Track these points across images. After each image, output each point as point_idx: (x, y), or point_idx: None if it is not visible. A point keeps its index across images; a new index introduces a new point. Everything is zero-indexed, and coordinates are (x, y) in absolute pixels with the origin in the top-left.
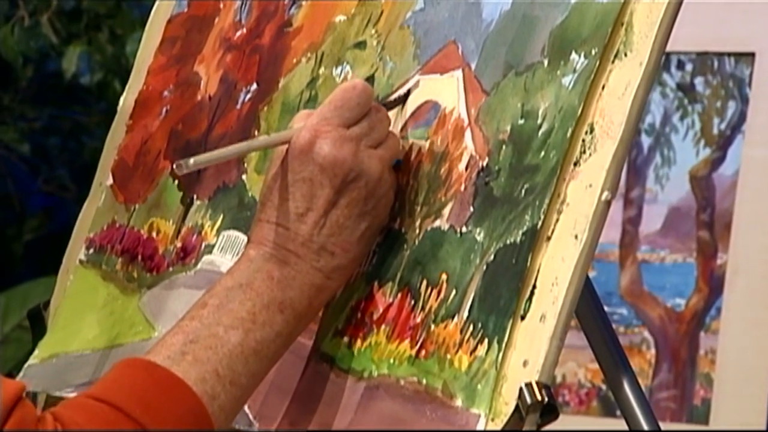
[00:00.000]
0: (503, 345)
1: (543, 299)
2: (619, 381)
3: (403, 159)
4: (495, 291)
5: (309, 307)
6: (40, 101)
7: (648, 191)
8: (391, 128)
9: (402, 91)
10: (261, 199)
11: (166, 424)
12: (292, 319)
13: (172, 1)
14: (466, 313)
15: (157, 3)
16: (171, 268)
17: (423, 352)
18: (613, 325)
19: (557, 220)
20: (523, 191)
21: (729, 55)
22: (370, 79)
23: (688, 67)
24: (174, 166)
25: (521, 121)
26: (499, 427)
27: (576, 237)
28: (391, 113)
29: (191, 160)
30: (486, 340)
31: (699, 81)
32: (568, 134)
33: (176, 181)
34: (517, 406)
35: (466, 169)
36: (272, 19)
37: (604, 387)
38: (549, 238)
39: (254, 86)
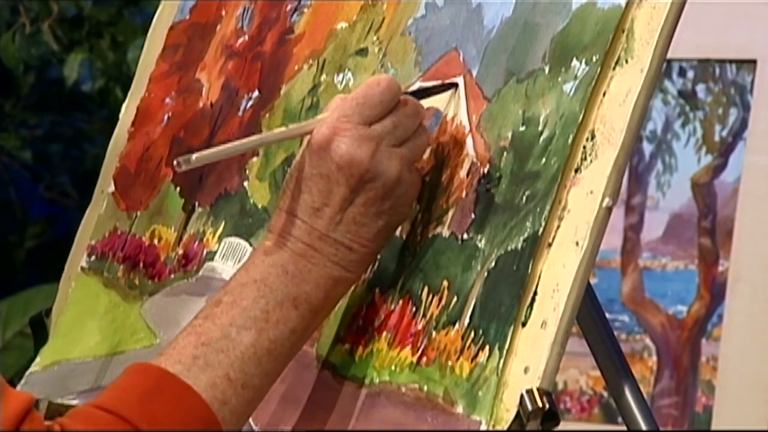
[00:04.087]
0: (504, 351)
1: (544, 306)
2: (621, 388)
3: None
4: (496, 298)
5: (326, 299)
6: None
7: (649, 198)
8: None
9: (439, 82)
10: (283, 187)
11: None
12: (307, 313)
13: (174, 8)
14: (467, 320)
15: (159, 10)
16: (173, 275)
17: (424, 359)
18: (615, 332)
19: (558, 227)
20: (524, 198)
21: (730, 62)
22: None
23: (690, 74)
24: (174, 163)
25: (522, 128)
26: None
27: (577, 244)
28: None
29: (194, 156)
30: (487, 347)
31: (700, 88)
32: (569, 141)
33: (178, 189)
34: (518, 413)
35: (468, 175)
36: (274, 26)
37: (605, 394)
38: (550, 245)
39: (256, 93)
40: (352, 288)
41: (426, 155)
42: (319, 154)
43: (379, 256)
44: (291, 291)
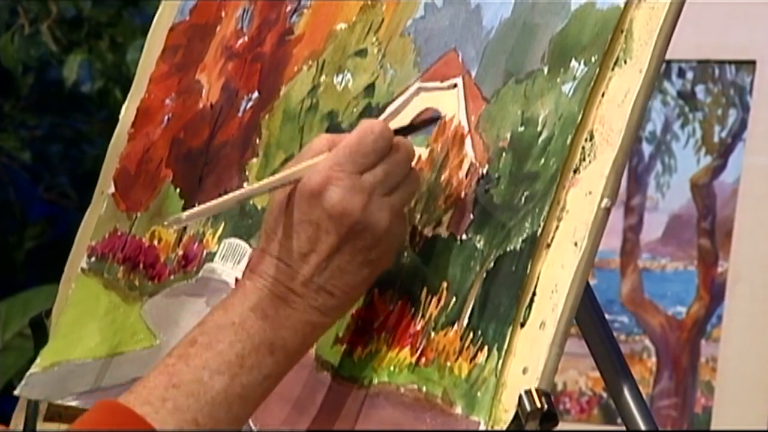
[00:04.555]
0: (503, 352)
1: (543, 306)
2: (620, 389)
3: None
4: (495, 298)
5: (302, 344)
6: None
7: (649, 199)
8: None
9: (430, 115)
10: (265, 227)
11: None
12: (282, 359)
13: (173, 9)
14: (466, 321)
15: (158, 11)
16: (172, 277)
17: (423, 360)
18: (614, 333)
19: (557, 228)
20: (523, 198)
21: (730, 62)
22: (371, 87)
23: (689, 75)
24: (165, 224)
25: (521, 129)
26: None
27: (576, 244)
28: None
29: (183, 215)
30: (486, 348)
31: (700, 89)
32: (568, 141)
33: (178, 190)
34: (516, 414)
35: (466, 176)
36: (274, 27)
37: (605, 395)
38: (549, 246)
39: (256, 94)
40: None
41: (425, 155)
42: (310, 202)
43: None
44: (268, 336)
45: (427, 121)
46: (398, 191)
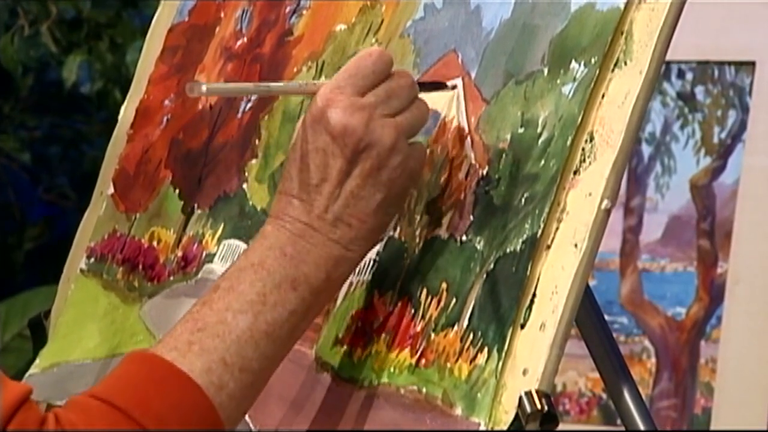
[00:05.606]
0: (503, 354)
1: (543, 308)
2: (620, 390)
3: None
4: (495, 300)
5: (327, 280)
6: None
7: (648, 200)
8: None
9: (438, 80)
10: (282, 171)
11: (168, 423)
12: (307, 295)
13: (173, 10)
14: (466, 322)
15: (157, 12)
16: (172, 278)
17: (423, 361)
18: (614, 334)
19: (557, 229)
20: (522, 200)
21: (729, 64)
22: None
23: (689, 76)
24: (185, 87)
25: (521, 130)
26: None
27: (576, 245)
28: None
29: (203, 87)
30: (486, 349)
31: (699, 90)
32: (568, 143)
33: (177, 191)
34: (516, 415)
35: (466, 177)
36: (273, 28)
37: (604, 396)
38: (549, 247)
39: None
40: (352, 289)
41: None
42: (314, 128)
43: (377, 257)
44: (289, 273)
45: (435, 85)
46: (404, 113)
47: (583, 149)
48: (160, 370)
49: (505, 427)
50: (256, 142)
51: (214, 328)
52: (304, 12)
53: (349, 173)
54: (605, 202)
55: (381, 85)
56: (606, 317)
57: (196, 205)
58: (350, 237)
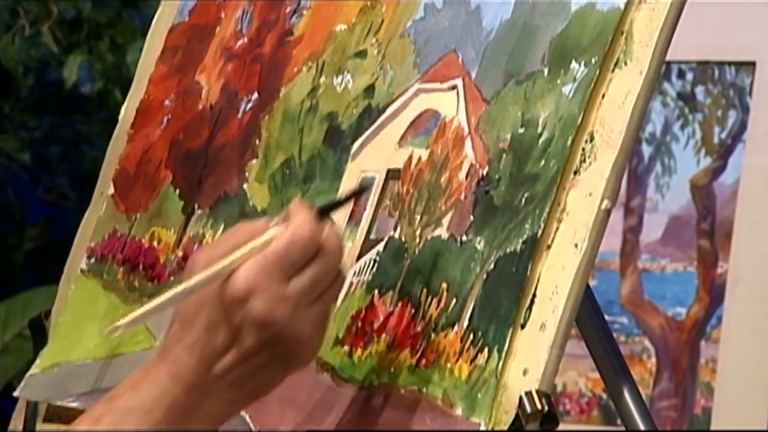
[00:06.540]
0: (503, 354)
1: (543, 308)
2: (620, 390)
3: (404, 168)
4: (495, 300)
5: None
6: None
7: (648, 200)
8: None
9: (352, 189)
10: (181, 312)
11: None
12: None
13: (173, 10)
14: (466, 322)
15: (158, 12)
16: (172, 278)
17: (423, 361)
18: (614, 334)
19: (557, 229)
20: (523, 200)
21: (730, 64)
22: (371, 88)
23: (689, 76)
24: (106, 332)
25: (521, 130)
26: None
27: (576, 246)
28: (387, 133)
29: (125, 320)
30: (486, 349)
31: (700, 90)
32: (568, 143)
33: (177, 191)
34: (517, 415)
35: (467, 177)
36: (273, 28)
37: (604, 396)
38: (549, 247)
39: (255, 95)
40: (352, 289)
41: (425, 157)
42: (233, 306)
43: (377, 257)
44: (173, 428)
45: (355, 193)
46: (323, 299)
47: (583, 149)
48: None
49: (505, 427)
50: (257, 142)
51: None
52: (305, 12)
53: (258, 352)
54: (605, 202)
55: (307, 270)
56: (606, 317)
57: (196, 206)
58: (240, 399)
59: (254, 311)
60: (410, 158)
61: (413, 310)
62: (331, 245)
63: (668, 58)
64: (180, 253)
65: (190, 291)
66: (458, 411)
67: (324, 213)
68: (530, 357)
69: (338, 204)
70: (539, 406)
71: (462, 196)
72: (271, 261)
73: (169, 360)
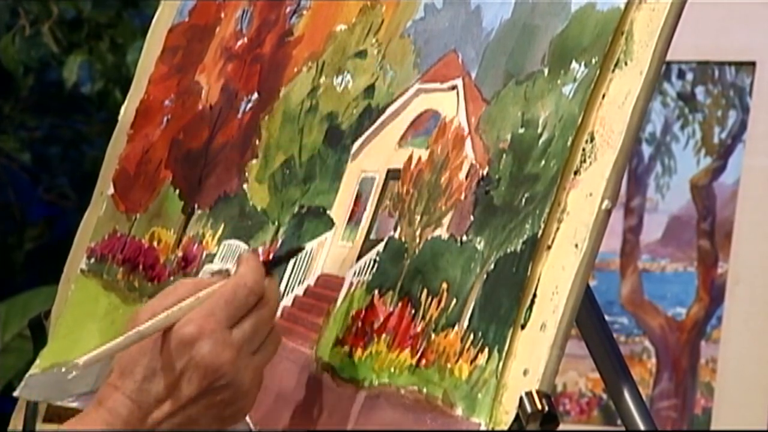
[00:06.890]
0: (503, 354)
1: (543, 308)
2: (620, 390)
3: (404, 168)
4: (495, 300)
5: None
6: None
7: (649, 200)
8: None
9: (288, 249)
10: (122, 364)
11: None
12: None
13: (173, 10)
14: (466, 322)
15: (158, 12)
16: (172, 278)
17: (423, 362)
18: (614, 334)
19: (557, 229)
20: (523, 200)
21: (730, 64)
22: (371, 88)
23: (689, 76)
24: (63, 369)
25: (521, 130)
26: None
27: (576, 246)
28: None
29: (80, 361)
30: (486, 349)
31: (700, 90)
32: (569, 143)
33: (177, 191)
34: (517, 415)
35: (467, 178)
36: (273, 28)
37: (604, 396)
38: (549, 247)
39: (255, 95)
40: (352, 289)
41: (425, 157)
42: (179, 349)
43: (377, 257)
44: None
45: (293, 252)
46: (262, 350)
47: (583, 149)
48: None
49: (505, 428)
50: (257, 142)
51: None
52: (305, 12)
53: (196, 401)
54: (606, 202)
55: (249, 317)
56: (606, 317)
57: (196, 206)
58: None
59: (200, 355)
60: (410, 158)
61: (413, 311)
62: (271, 297)
63: (668, 58)
64: (180, 253)
65: (137, 338)
66: (458, 411)
67: (271, 266)
68: (530, 357)
69: (283, 259)
70: (539, 407)
71: (462, 197)
72: (218, 304)
73: (106, 407)
